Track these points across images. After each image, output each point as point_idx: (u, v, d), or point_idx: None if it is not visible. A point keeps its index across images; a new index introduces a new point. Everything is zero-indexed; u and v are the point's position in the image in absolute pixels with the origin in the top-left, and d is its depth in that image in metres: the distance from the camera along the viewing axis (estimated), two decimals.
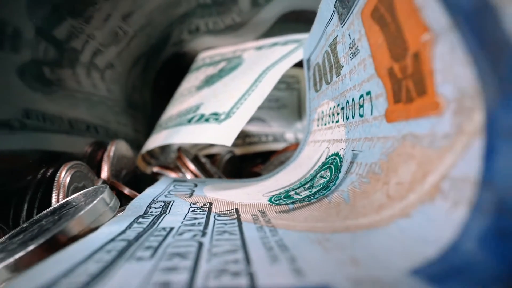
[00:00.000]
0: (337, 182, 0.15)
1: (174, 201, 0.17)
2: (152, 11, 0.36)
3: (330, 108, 0.19)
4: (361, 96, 0.14)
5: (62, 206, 0.16)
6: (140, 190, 0.23)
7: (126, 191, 0.22)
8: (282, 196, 0.17)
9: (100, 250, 0.09)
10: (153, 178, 0.31)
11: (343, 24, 0.15)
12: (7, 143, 0.21)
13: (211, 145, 0.37)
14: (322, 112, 0.21)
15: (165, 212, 0.15)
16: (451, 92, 0.08)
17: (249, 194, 0.19)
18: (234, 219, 0.13)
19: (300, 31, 0.35)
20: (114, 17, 0.31)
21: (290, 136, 0.40)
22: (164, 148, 0.37)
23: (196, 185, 0.22)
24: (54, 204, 0.19)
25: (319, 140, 0.21)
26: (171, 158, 0.37)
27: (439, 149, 0.09)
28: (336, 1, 0.15)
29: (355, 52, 0.14)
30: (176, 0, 0.37)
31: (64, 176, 0.20)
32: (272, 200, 0.17)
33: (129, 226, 0.12)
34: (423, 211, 0.08)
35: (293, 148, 0.32)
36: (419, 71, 0.09)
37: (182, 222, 0.13)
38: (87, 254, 0.09)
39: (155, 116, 0.40)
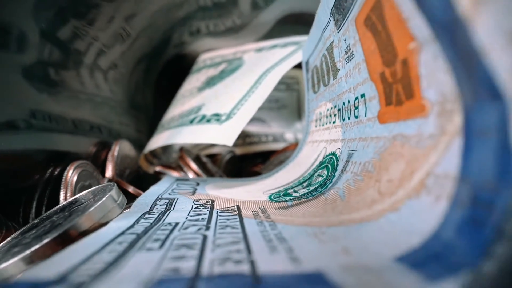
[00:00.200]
0: (334, 180, 0.16)
1: (178, 198, 0.18)
2: (154, 13, 0.37)
3: (328, 110, 0.20)
4: (356, 98, 0.15)
5: (71, 203, 0.17)
6: (143, 189, 0.24)
7: (131, 189, 0.23)
8: (281, 194, 0.18)
9: (112, 242, 0.10)
10: (155, 178, 0.31)
11: (339, 29, 0.16)
12: (14, 143, 0.21)
13: (212, 145, 0.38)
14: (320, 113, 0.22)
15: (170, 209, 0.16)
16: (435, 96, 0.09)
17: (250, 192, 0.20)
18: (235, 215, 0.14)
19: (299, 33, 0.35)
20: (117, 19, 0.32)
21: (289, 136, 0.41)
22: (166, 148, 0.38)
23: (198, 184, 0.22)
24: (62, 201, 0.20)
25: (317, 140, 0.22)
26: (172, 158, 0.37)
27: (425, 148, 0.09)
28: (332, 8, 0.16)
29: (350, 57, 0.15)
30: (178, 3, 0.38)
31: (71, 175, 0.21)
32: (272, 197, 0.17)
33: (137, 221, 0.13)
34: (409, 205, 0.09)
35: (293, 148, 0.33)
36: (407, 76, 0.10)
37: (186, 218, 0.14)
38: (101, 245, 0.10)
39: (157, 117, 0.41)
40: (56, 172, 0.22)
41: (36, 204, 0.20)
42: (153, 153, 0.35)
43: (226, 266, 0.08)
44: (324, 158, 0.19)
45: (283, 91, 0.43)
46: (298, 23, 0.39)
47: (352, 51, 0.14)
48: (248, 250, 0.09)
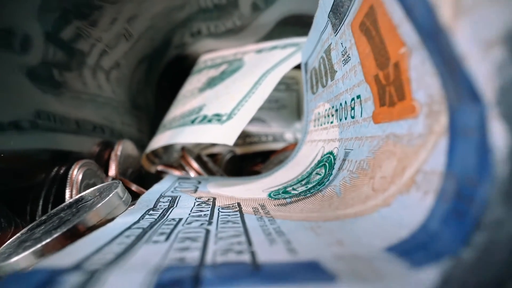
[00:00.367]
0: (331, 178, 0.16)
1: (180, 196, 0.18)
2: (155, 15, 0.37)
3: (326, 110, 0.21)
4: (353, 99, 0.16)
5: (78, 201, 0.17)
6: (145, 188, 0.25)
7: (134, 187, 0.24)
8: (280, 192, 0.18)
9: (120, 236, 0.11)
10: (157, 177, 0.32)
11: (336, 33, 0.16)
12: (21, 143, 0.22)
13: (213, 145, 0.39)
14: (319, 113, 0.23)
15: (173, 206, 0.16)
16: (423, 98, 0.09)
17: (250, 190, 0.20)
18: (236, 211, 0.14)
19: (299, 34, 0.36)
20: (119, 21, 0.33)
21: (289, 136, 0.41)
22: (167, 148, 0.39)
23: (199, 182, 0.23)
24: (68, 199, 0.20)
25: (315, 139, 0.22)
26: (174, 158, 0.38)
27: (415, 147, 0.10)
28: (329, 12, 0.16)
29: (347, 59, 0.16)
30: (179, 5, 0.38)
31: (76, 173, 0.21)
32: (271, 195, 0.18)
33: (142, 217, 0.14)
34: (400, 200, 0.10)
35: (292, 147, 0.33)
36: (399, 79, 0.11)
37: (189, 214, 0.14)
38: (109, 238, 0.10)
39: (158, 117, 0.41)
40: (61, 171, 0.22)
41: (42, 202, 0.20)
42: (154, 152, 0.35)
43: (228, 256, 0.08)
44: (322, 157, 0.19)
45: (283, 91, 0.44)
46: (297, 24, 0.40)
47: (349, 54, 0.15)
48: (249, 242, 0.10)
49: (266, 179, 0.24)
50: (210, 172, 0.31)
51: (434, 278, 0.06)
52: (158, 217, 0.14)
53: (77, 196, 0.18)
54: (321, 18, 0.18)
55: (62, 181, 0.21)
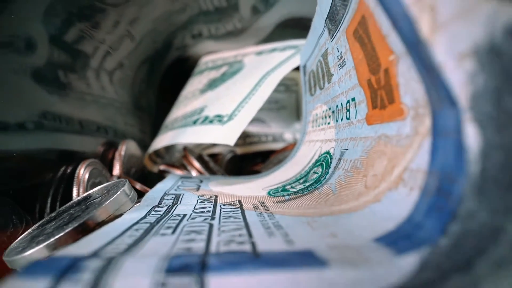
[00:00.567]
0: (327, 176, 0.17)
1: (183, 194, 0.19)
2: (157, 17, 0.38)
3: (323, 111, 0.22)
4: (348, 101, 0.16)
5: (86, 198, 0.18)
6: (148, 187, 0.26)
7: (138, 186, 0.25)
8: (279, 190, 0.19)
9: (129, 229, 0.11)
10: (159, 176, 0.33)
11: (332, 38, 0.17)
12: (28, 143, 0.23)
13: (214, 145, 0.39)
14: (316, 115, 0.23)
15: (177, 203, 0.17)
16: (410, 102, 0.10)
17: (250, 189, 0.21)
18: (237, 207, 0.15)
19: (298, 36, 0.37)
20: (122, 23, 0.34)
21: (288, 136, 0.42)
22: (169, 148, 0.39)
23: (201, 181, 0.24)
24: (75, 197, 0.21)
25: (313, 140, 0.23)
26: (175, 157, 0.39)
27: (403, 147, 0.11)
28: (326, 18, 0.17)
29: (342, 64, 0.16)
30: (180, 7, 0.39)
31: (83, 172, 0.22)
32: (271, 193, 0.19)
33: (148, 213, 0.15)
34: (389, 196, 0.11)
35: (291, 147, 0.34)
36: (389, 84, 0.11)
37: (193, 210, 0.15)
38: (120, 231, 0.11)
39: (159, 118, 0.42)
40: (68, 170, 0.23)
41: (51, 200, 0.21)
42: (156, 152, 0.36)
43: (231, 246, 0.09)
44: (319, 156, 0.20)
45: (282, 92, 0.44)
46: (296, 27, 0.41)
47: (344, 59, 0.16)
48: (249, 234, 0.10)
49: (266, 178, 0.24)
50: (211, 172, 0.32)
51: (413, 262, 0.07)
52: (163, 213, 0.15)
53: (84, 194, 0.19)
54: (318, 23, 0.19)
55: (69, 180, 0.22)
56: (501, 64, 0.06)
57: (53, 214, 0.18)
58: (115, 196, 0.15)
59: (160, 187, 0.21)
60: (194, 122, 0.29)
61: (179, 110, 0.36)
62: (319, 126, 0.23)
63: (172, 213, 0.15)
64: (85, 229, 0.14)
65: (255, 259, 0.08)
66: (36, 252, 0.13)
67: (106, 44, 0.33)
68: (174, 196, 0.18)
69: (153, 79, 0.46)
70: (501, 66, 0.06)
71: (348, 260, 0.08)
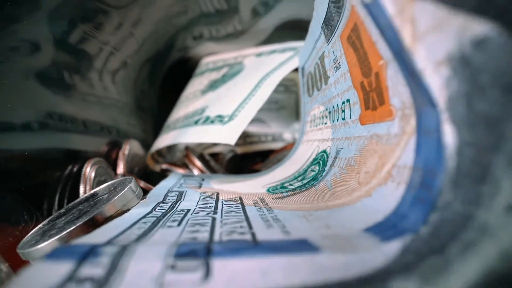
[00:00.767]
0: (324, 174, 0.18)
1: (186, 191, 0.20)
2: (159, 20, 0.39)
3: (320, 112, 0.22)
4: (343, 102, 0.17)
5: (93, 196, 0.19)
6: (151, 185, 0.26)
7: (142, 184, 0.25)
8: (278, 187, 0.20)
9: (137, 222, 0.12)
10: (161, 175, 0.34)
11: (328, 42, 0.18)
12: (35, 142, 0.24)
13: (215, 144, 0.40)
14: (314, 115, 0.24)
15: (180, 199, 0.18)
16: (398, 103, 0.11)
17: (250, 186, 0.22)
18: (238, 203, 0.16)
19: (297, 38, 0.37)
20: (125, 25, 0.34)
21: (288, 136, 0.43)
22: (171, 148, 0.40)
23: (203, 179, 0.25)
24: (82, 195, 0.22)
25: (311, 139, 0.24)
26: (177, 157, 0.40)
27: (392, 145, 0.12)
28: (322, 23, 0.18)
29: (338, 67, 0.17)
30: (182, 10, 0.40)
31: (89, 171, 0.23)
32: (270, 190, 0.20)
33: (154, 208, 0.15)
34: (379, 191, 0.11)
35: (290, 147, 0.35)
36: (379, 87, 0.12)
37: (196, 206, 0.16)
38: (129, 224, 0.12)
39: (161, 118, 0.43)
40: (75, 169, 0.24)
41: (58, 197, 0.22)
42: (159, 152, 0.37)
43: (233, 236, 0.10)
44: (317, 155, 0.21)
45: (282, 93, 0.45)
46: (295, 28, 0.41)
47: (339, 62, 0.17)
48: (249, 226, 0.11)
49: (265, 176, 0.25)
50: (213, 170, 0.33)
51: (396, 248, 0.08)
52: (168, 209, 0.15)
53: (91, 192, 0.20)
54: (315, 28, 0.20)
55: (76, 178, 0.23)
56: (470, 71, 0.07)
57: (62, 210, 0.19)
58: (122, 192, 0.16)
59: (164, 185, 0.21)
60: (196, 122, 0.30)
61: (180, 111, 0.36)
62: (316, 126, 0.23)
63: (176, 208, 0.15)
64: (94, 223, 0.15)
65: (255, 246, 0.09)
66: (48, 244, 0.14)
67: (109, 46, 0.34)
68: (177, 193, 0.19)
69: (155, 80, 0.47)
70: (470, 73, 0.07)
71: (338, 247, 0.09)
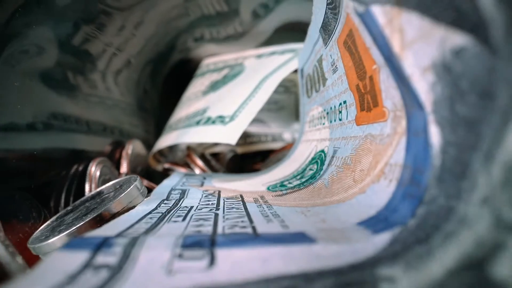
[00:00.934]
0: (321, 172, 0.18)
1: (189, 189, 0.21)
2: (161, 21, 0.39)
3: (319, 113, 0.23)
4: (340, 104, 0.18)
5: (98, 194, 0.20)
6: (154, 184, 0.27)
7: (145, 183, 0.26)
8: (278, 185, 0.21)
9: (144, 217, 0.13)
10: (163, 174, 0.34)
11: (326, 46, 0.19)
12: (42, 142, 0.24)
13: (216, 144, 0.41)
14: (313, 116, 0.25)
15: (183, 197, 0.18)
16: (390, 106, 0.12)
17: (251, 185, 0.23)
18: (239, 200, 0.17)
19: (296, 39, 0.38)
20: (128, 27, 0.35)
21: (287, 136, 0.43)
22: (172, 147, 0.41)
23: (205, 178, 0.25)
24: (88, 193, 0.22)
25: (310, 139, 0.25)
26: (178, 156, 0.40)
27: (385, 145, 0.12)
28: (320, 28, 0.19)
29: (335, 69, 0.18)
30: (184, 12, 0.41)
31: (94, 170, 0.24)
32: (270, 188, 0.20)
33: (158, 205, 0.16)
34: (372, 188, 0.12)
35: (289, 147, 0.36)
36: (373, 89, 0.13)
37: (199, 203, 0.16)
38: (136, 219, 0.13)
39: (163, 118, 0.44)
40: (80, 168, 0.25)
41: (65, 196, 0.23)
42: (160, 152, 0.38)
43: (235, 229, 0.11)
44: (315, 155, 0.22)
45: (281, 93, 0.46)
46: (295, 30, 0.42)
47: (336, 65, 0.17)
48: (250, 221, 0.12)
49: (265, 175, 0.26)
50: (214, 170, 0.33)
51: (385, 239, 0.09)
52: (172, 205, 0.16)
53: (97, 190, 0.21)
54: (314, 32, 0.20)
55: (81, 177, 0.24)
56: (451, 78, 0.08)
57: (69, 208, 0.19)
58: (128, 190, 0.17)
59: (167, 183, 0.22)
60: (197, 123, 0.30)
61: (182, 111, 0.37)
62: (315, 126, 0.24)
63: (180, 205, 0.16)
64: (101, 220, 0.15)
65: (256, 238, 0.09)
66: (58, 240, 0.15)
67: (112, 47, 0.34)
68: (180, 191, 0.20)
69: (156, 80, 0.47)
70: (451, 79, 0.08)
71: (333, 239, 0.09)
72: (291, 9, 0.39)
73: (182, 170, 0.32)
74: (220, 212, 0.14)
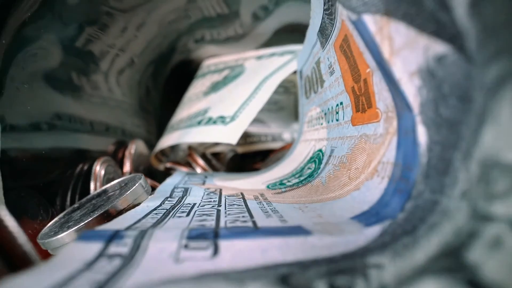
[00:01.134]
0: (319, 171, 0.19)
1: (191, 187, 0.21)
2: (163, 23, 0.40)
3: (317, 113, 0.24)
4: (337, 105, 0.19)
5: (104, 192, 0.20)
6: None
7: (148, 181, 0.27)
8: (277, 184, 0.21)
9: (150, 213, 0.14)
10: (165, 174, 0.35)
11: (323, 49, 0.19)
12: (46, 142, 0.25)
13: (216, 144, 0.42)
14: (311, 116, 0.26)
15: (186, 195, 0.19)
16: (382, 107, 0.12)
17: (251, 183, 0.23)
18: (240, 198, 0.18)
19: (295, 41, 0.39)
20: (130, 29, 0.36)
21: (287, 136, 0.44)
22: (174, 147, 0.41)
23: (206, 177, 0.26)
24: (93, 191, 0.23)
25: (308, 139, 0.25)
26: (179, 156, 0.41)
27: (378, 144, 0.13)
28: (318, 31, 0.19)
29: (332, 72, 0.19)
30: (185, 14, 0.41)
31: (99, 169, 0.24)
32: (269, 186, 0.21)
33: (162, 202, 0.17)
34: (366, 185, 0.13)
35: (289, 147, 0.36)
36: (367, 92, 0.14)
37: (201, 200, 0.17)
38: (142, 215, 0.13)
39: (164, 118, 0.44)
40: (85, 167, 0.25)
41: (70, 194, 0.23)
42: (162, 151, 0.38)
43: (236, 223, 0.11)
44: (313, 154, 0.23)
45: (281, 94, 0.46)
46: (294, 31, 0.43)
47: (333, 68, 0.18)
48: (251, 216, 0.13)
49: (265, 174, 0.27)
50: (214, 169, 0.34)
51: (376, 231, 0.09)
52: (175, 203, 0.17)
53: (102, 188, 0.21)
54: (312, 35, 0.21)
55: (86, 176, 0.24)
56: (435, 82, 0.08)
57: (76, 205, 0.20)
58: (133, 188, 0.18)
59: (170, 182, 0.23)
60: (199, 123, 0.31)
61: (184, 111, 0.38)
62: (313, 126, 0.25)
63: (183, 202, 0.17)
64: (108, 216, 0.16)
65: (256, 230, 0.10)
66: (67, 235, 0.16)
67: (115, 48, 0.35)
68: (183, 189, 0.21)
69: (157, 81, 0.48)
70: (435, 84, 0.08)
71: (327, 231, 0.10)
72: (290, 11, 0.40)
73: (184, 169, 0.33)
74: (222, 208, 0.15)
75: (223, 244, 0.09)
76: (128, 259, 0.08)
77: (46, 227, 0.18)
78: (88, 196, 0.21)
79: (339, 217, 0.12)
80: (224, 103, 0.31)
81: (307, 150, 0.24)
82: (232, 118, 0.28)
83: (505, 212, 0.06)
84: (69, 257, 0.08)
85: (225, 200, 0.17)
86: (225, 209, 0.14)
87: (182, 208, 0.15)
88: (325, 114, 0.21)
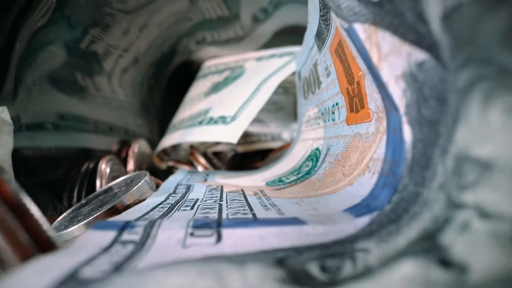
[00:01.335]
0: (316, 168, 0.20)
1: (194, 184, 0.22)
2: (165, 25, 0.41)
3: (315, 113, 0.25)
4: (333, 105, 0.20)
5: (109, 189, 0.21)
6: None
7: (152, 179, 0.28)
8: (276, 181, 0.22)
9: (155, 208, 0.15)
10: (167, 172, 0.36)
11: (320, 52, 0.20)
12: (53, 141, 0.26)
13: (217, 143, 0.43)
14: (309, 116, 0.27)
15: (189, 191, 0.20)
16: (373, 108, 0.13)
17: (251, 181, 0.24)
18: (240, 194, 0.18)
19: (295, 42, 0.40)
20: (132, 30, 0.37)
21: (286, 135, 0.45)
22: (175, 146, 0.42)
23: (207, 175, 0.27)
24: (99, 188, 0.24)
25: (306, 138, 0.26)
26: (181, 155, 0.42)
27: (369, 142, 0.14)
28: (315, 35, 0.20)
29: (328, 74, 0.19)
30: (186, 16, 0.42)
31: (105, 167, 0.25)
32: (268, 183, 0.22)
33: (167, 198, 0.18)
34: (359, 180, 0.14)
35: (288, 146, 0.37)
36: (360, 93, 0.15)
37: (203, 196, 0.18)
38: (149, 209, 0.14)
39: (166, 118, 0.45)
40: (91, 166, 0.26)
41: (77, 191, 0.24)
42: (164, 151, 0.39)
43: (237, 215, 0.12)
44: (311, 152, 0.23)
45: (281, 94, 0.47)
46: (293, 33, 0.44)
47: (329, 70, 0.19)
48: (251, 209, 0.13)
49: (265, 172, 0.28)
50: (215, 168, 0.35)
51: (365, 221, 0.10)
52: (179, 198, 0.18)
53: (108, 185, 0.22)
54: (310, 38, 0.22)
55: (92, 174, 0.25)
56: (417, 85, 0.09)
57: (83, 201, 0.21)
58: (139, 184, 0.18)
59: (173, 179, 0.24)
60: (200, 123, 0.32)
61: (185, 111, 0.39)
62: (311, 126, 0.26)
63: (186, 198, 0.18)
64: (116, 211, 0.17)
65: (255, 221, 0.11)
66: (76, 229, 0.17)
67: (118, 49, 0.36)
68: (186, 186, 0.22)
69: (159, 82, 0.49)
70: (417, 87, 0.09)
71: (321, 221, 0.11)
72: (290, 13, 0.40)
73: (186, 167, 0.34)
74: (223, 203, 0.16)
75: (226, 232, 0.10)
76: (140, 245, 0.09)
77: (56, 221, 0.19)
78: (95, 193, 0.22)
79: (332, 210, 0.13)
80: (225, 104, 0.32)
81: (305, 149, 0.25)
82: (233, 118, 0.29)
83: (473, 200, 0.07)
84: (88, 242, 0.09)
85: (226, 196, 0.18)
86: (227, 203, 0.15)
87: (186, 202, 0.16)
88: (322, 114, 0.22)
